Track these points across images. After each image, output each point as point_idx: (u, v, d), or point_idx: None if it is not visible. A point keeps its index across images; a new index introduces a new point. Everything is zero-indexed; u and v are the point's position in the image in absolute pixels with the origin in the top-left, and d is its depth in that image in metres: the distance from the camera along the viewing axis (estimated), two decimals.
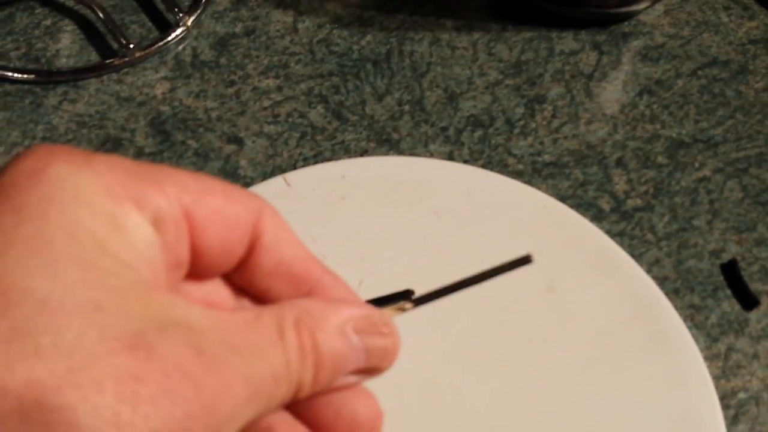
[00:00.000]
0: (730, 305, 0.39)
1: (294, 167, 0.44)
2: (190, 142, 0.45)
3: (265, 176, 0.43)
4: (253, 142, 0.45)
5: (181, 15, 0.50)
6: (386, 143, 0.45)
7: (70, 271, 0.15)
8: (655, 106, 0.47)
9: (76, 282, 0.14)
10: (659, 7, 0.52)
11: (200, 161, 0.44)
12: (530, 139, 0.46)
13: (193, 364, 0.15)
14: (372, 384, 0.36)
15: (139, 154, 0.44)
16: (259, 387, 0.17)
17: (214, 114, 0.46)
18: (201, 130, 0.45)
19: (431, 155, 0.45)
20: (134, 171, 0.17)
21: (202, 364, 0.15)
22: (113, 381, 0.14)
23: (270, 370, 0.17)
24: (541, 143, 0.45)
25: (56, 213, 0.15)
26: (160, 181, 0.18)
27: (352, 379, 0.21)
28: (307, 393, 0.19)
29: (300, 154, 0.44)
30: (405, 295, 0.39)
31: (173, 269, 0.18)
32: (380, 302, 0.39)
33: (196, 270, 0.19)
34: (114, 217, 0.16)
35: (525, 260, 0.33)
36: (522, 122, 0.46)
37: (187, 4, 0.51)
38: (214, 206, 0.19)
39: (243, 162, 0.44)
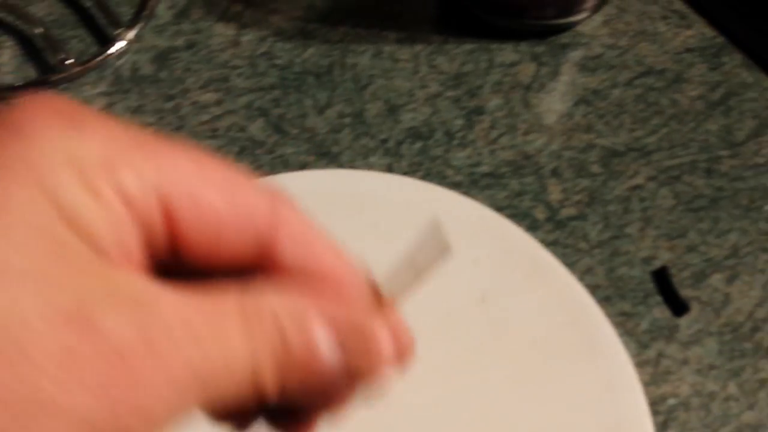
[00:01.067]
0: (661, 312, 0.40)
1: None
2: None
3: None
4: None
5: (121, 29, 0.50)
6: (326, 156, 0.45)
7: (21, 235, 0.13)
8: (591, 115, 0.48)
9: (26, 247, 0.13)
10: (598, 18, 0.53)
11: None
12: (469, 150, 0.46)
13: (133, 348, 0.14)
14: None
15: None
16: (206, 376, 0.15)
17: (152, 129, 0.46)
18: None
19: (371, 168, 0.45)
20: (123, 142, 0.16)
21: (144, 348, 0.14)
22: (44, 355, 0.13)
23: (224, 359, 0.15)
24: (479, 154, 0.46)
25: (24, 172, 0.14)
26: (148, 158, 0.16)
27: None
28: (272, 394, 0.17)
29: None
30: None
31: (152, 254, 0.16)
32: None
33: (190, 262, 0.17)
34: (87, 188, 0.15)
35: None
36: (461, 134, 0.47)
37: (128, 18, 0.51)
38: (204, 198, 0.17)
39: None
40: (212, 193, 0.17)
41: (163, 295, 0.15)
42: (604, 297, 0.40)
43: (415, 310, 0.40)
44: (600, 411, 0.36)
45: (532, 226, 0.43)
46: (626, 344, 0.38)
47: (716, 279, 0.41)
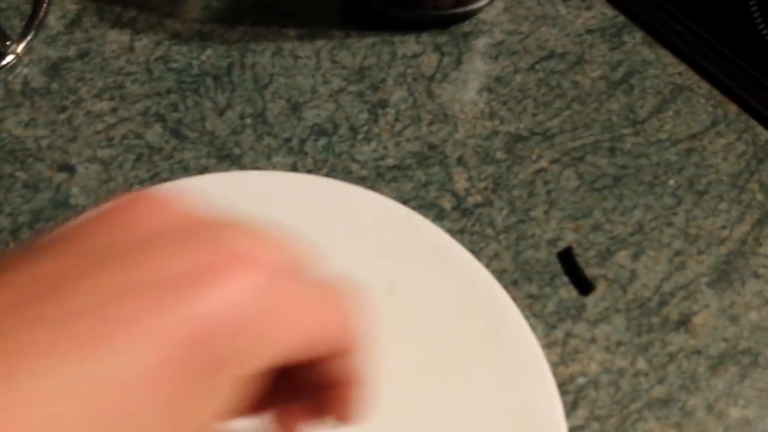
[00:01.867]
0: (568, 292, 0.40)
1: (129, 191, 0.42)
2: (19, 173, 0.43)
3: (98, 202, 0.42)
4: (86, 168, 0.43)
5: (9, 43, 0.48)
6: (227, 159, 0.44)
7: None
8: (494, 102, 0.48)
9: None
10: (499, 5, 0.53)
11: (29, 193, 0.42)
12: (374, 144, 0.46)
13: None
14: None
15: None
16: None
17: (44, 143, 0.44)
18: (30, 160, 0.43)
19: (274, 168, 0.45)
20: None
21: None
22: None
23: None
24: (385, 147, 0.45)
25: None
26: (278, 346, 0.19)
27: None
28: None
29: (136, 176, 0.43)
30: None
31: None
32: None
33: None
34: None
35: None
36: (365, 128, 0.46)
37: (17, 31, 0.49)
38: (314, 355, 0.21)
39: (75, 190, 0.42)
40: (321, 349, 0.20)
41: None
42: (512, 281, 0.40)
43: None
44: (509, 396, 0.36)
45: (438, 216, 0.42)
46: (534, 326, 0.38)
47: (622, 256, 0.41)
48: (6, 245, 0.41)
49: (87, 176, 0.43)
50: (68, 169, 0.43)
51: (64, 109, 0.46)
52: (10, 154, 0.44)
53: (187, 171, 0.44)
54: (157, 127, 0.45)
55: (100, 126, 0.45)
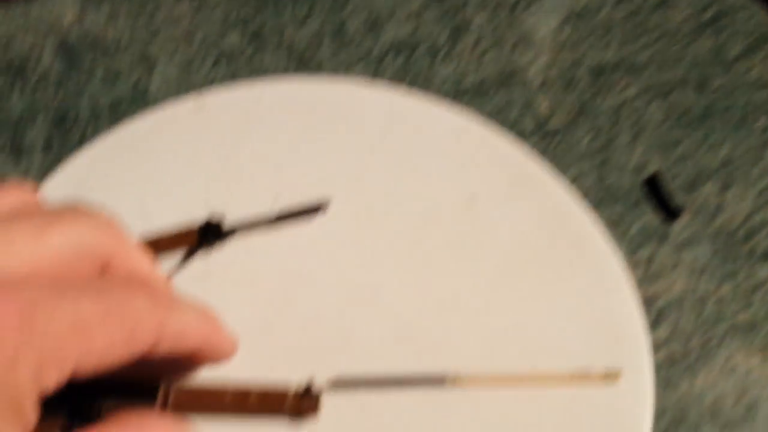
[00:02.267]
0: (653, 217, 0.38)
1: (208, 88, 0.42)
2: (99, 65, 0.43)
3: (177, 97, 0.41)
4: (165, 65, 0.43)
5: None
6: (306, 68, 0.44)
7: None
8: (579, 32, 0.46)
9: None
10: None
11: (109, 84, 0.42)
12: (453, 64, 0.45)
13: None
14: (288, 289, 0.35)
15: (45, 77, 0.42)
16: None
17: (125, 37, 0.44)
18: (111, 52, 0.43)
19: (353, 78, 0.44)
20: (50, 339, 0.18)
21: None
22: None
23: None
24: (465, 69, 0.44)
25: None
26: (71, 348, 0.19)
27: None
28: None
29: (215, 78, 0.43)
30: (317, 209, 0.38)
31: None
32: (292, 215, 0.37)
33: None
34: (17, 418, 0.18)
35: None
36: (445, 48, 0.45)
37: None
38: (109, 359, 0.20)
39: (153, 86, 0.42)
40: (116, 352, 0.20)
41: None
42: (594, 204, 0.39)
43: (401, 211, 0.39)
44: (590, 311, 0.35)
45: (520, 137, 0.41)
46: (618, 247, 0.37)
47: (709, 187, 0.40)
48: (85, 129, 0.41)
49: (166, 73, 0.43)
50: (148, 64, 0.43)
51: (145, 6, 0.45)
52: (91, 46, 0.43)
53: (265, 73, 0.43)
54: (237, 32, 0.45)
55: (180, 26, 0.45)
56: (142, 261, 0.25)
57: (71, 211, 0.22)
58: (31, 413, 0.18)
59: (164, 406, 0.30)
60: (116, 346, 0.20)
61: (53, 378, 0.18)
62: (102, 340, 0.19)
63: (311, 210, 0.39)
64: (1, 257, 0.19)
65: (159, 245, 0.36)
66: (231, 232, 0.37)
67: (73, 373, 0.19)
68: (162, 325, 0.21)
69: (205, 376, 0.31)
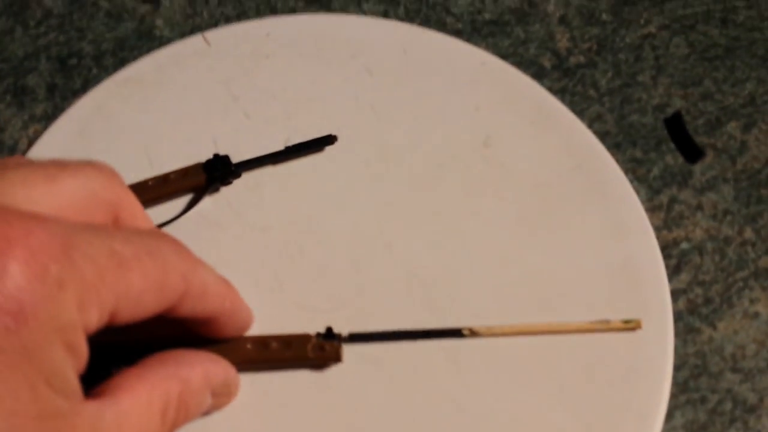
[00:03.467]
0: (674, 158, 0.37)
1: (215, 26, 0.41)
2: (102, 2, 0.41)
3: (183, 36, 0.40)
4: (170, 2, 0.41)
5: None
6: (316, 3, 0.42)
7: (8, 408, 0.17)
8: None
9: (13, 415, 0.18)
10: None
11: (112, 22, 0.40)
12: None
13: None
14: (300, 240, 0.34)
15: (46, 16, 0.41)
16: None
17: None
18: None
19: (364, 14, 0.42)
20: (90, 277, 0.19)
21: None
22: None
23: None
24: (482, 2, 0.43)
25: (26, 366, 0.18)
26: (108, 287, 0.19)
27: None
28: None
29: (222, 13, 0.41)
30: (327, 140, 0.37)
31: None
32: (302, 147, 0.36)
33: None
34: (70, 352, 0.19)
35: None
36: None
37: None
38: (143, 306, 0.20)
39: (159, 22, 0.41)
40: (150, 298, 0.20)
41: (84, 409, 0.18)
42: (614, 144, 0.37)
43: (416, 154, 0.38)
44: (609, 253, 0.34)
45: (538, 74, 0.40)
46: (637, 190, 0.36)
47: (732, 127, 0.38)
48: (89, 71, 0.39)
49: (172, 9, 0.41)
50: (152, 1, 0.41)
51: None
52: None
53: (274, 12, 0.42)
54: None
55: None
56: (147, 218, 0.24)
57: (78, 161, 0.21)
58: (82, 347, 0.18)
59: None
60: (150, 291, 0.20)
61: (95, 316, 0.18)
62: (137, 281, 0.19)
63: (320, 142, 0.38)
64: (25, 197, 0.19)
65: (167, 184, 0.35)
66: (239, 168, 0.36)
67: (111, 317, 0.19)
68: (187, 278, 0.21)
69: None
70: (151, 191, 0.35)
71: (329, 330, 0.31)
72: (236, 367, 0.29)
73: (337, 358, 0.30)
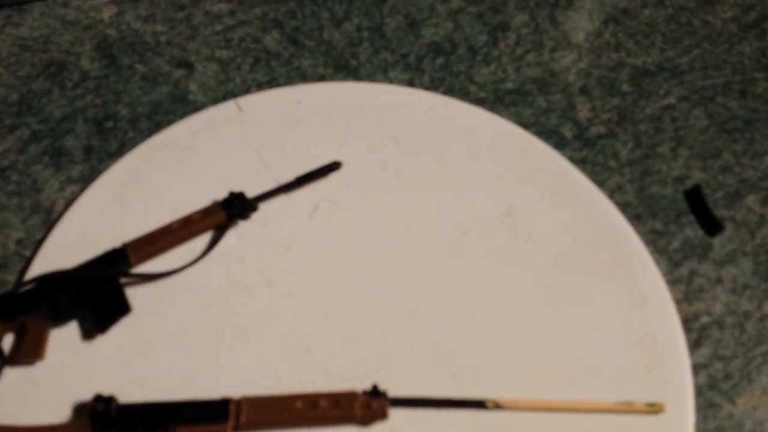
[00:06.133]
0: (694, 231, 0.38)
1: (247, 92, 0.42)
2: (138, 66, 0.43)
3: (217, 101, 0.41)
4: (204, 66, 0.43)
5: None
6: (344, 69, 0.44)
7: None
8: (621, 34, 0.46)
9: None
10: None
11: (148, 85, 0.42)
12: (493, 66, 0.44)
13: None
14: (327, 306, 0.35)
15: (83, 78, 0.42)
16: None
17: (163, 38, 0.44)
18: (149, 54, 0.43)
19: (391, 82, 0.43)
20: None
21: None
22: None
23: None
24: (504, 71, 0.44)
25: None
26: None
27: None
28: None
29: (253, 79, 0.43)
30: (332, 167, 0.38)
31: None
32: (310, 176, 0.38)
33: None
34: None
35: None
36: (485, 50, 0.45)
37: None
38: None
39: (193, 87, 0.42)
40: None
41: None
42: (635, 215, 0.38)
43: (440, 223, 0.38)
44: (631, 327, 0.35)
45: (559, 144, 0.41)
46: (658, 262, 0.37)
47: (751, 200, 0.39)
48: (125, 133, 0.41)
49: (205, 75, 0.42)
50: (187, 66, 0.43)
51: (182, 7, 0.45)
52: (130, 47, 0.43)
53: (304, 78, 0.43)
54: (275, 33, 0.45)
55: (218, 27, 0.45)
56: None
57: None
58: None
59: (237, 420, 0.30)
60: None
61: None
62: None
63: (327, 169, 0.39)
64: None
65: (189, 225, 0.36)
66: (255, 201, 0.37)
67: None
68: None
69: (261, 388, 0.32)
70: (175, 233, 0.36)
71: (375, 388, 0.31)
72: (286, 425, 0.30)
73: (383, 415, 0.31)
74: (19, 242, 0.37)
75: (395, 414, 0.32)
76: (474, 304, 0.36)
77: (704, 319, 0.35)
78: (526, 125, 0.42)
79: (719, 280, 0.37)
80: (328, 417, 0.31)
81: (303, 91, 0.42)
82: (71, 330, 0.33)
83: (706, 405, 0.33)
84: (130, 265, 0.35)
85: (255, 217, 0.38)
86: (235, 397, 0.31)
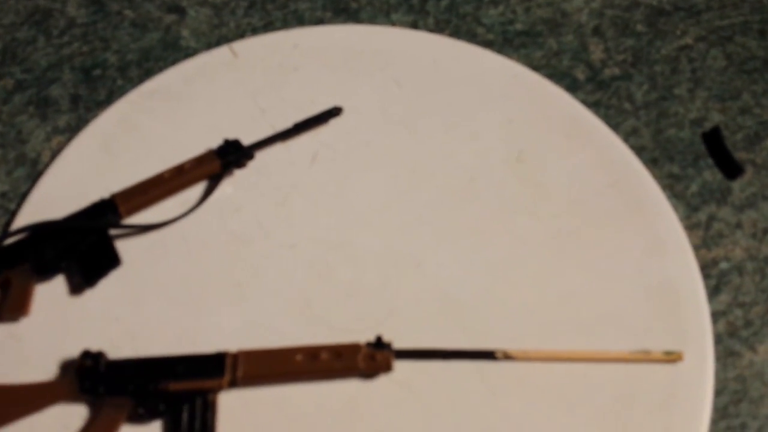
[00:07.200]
0: (712, 174, 0.36)
1: (242, 37, 0.40)
2: (127, 11, 0.41)
3: (210, 47, 0.40)
4: (196, 11, 0.41)
5: None
6: (344, 13, 0.41)
7: None
8: None
9: None
10: None
11: (137, 32, 0.40)
12: (501, 7, 0.42)
13: None
14: (329, 258, 0.34)
15: (70, 25, 0.40)
16: None
17: None
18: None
19: (393, 25, 0.41)
20: None
21: None
22: None
23: None
24: (513, 12, 0.42)
25: None
26: None
27: None
28: None
29: (248, 23, 0.41)
30: (333, 113, 0.36)
31: None
32: (308, 122, 0.36)
33: None
34: None
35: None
36: None
37: None
38: None
39: (185, 32, 0.40)
40: None
41: None
42: (651, 159, 0.36)
43: (448, 170, 0.37)
44: (647, 274, 0.33)
45: (572, 86, 0.39)
46: (675, 207, 0.35)
47: None
48: (114, 81, 0.39)
49: (198, 19, 0.40)
50: (178, 10, 0.41)
51: None
52: None
53: (301, 22, 0.41)
54: None
55: None
56: None
57: None
58: None
59: (233, 375, 0.29)
60: None
61: None
62: None
63: (326, 115, 0.37)
64: None
65: (182, 174, 0.34)
66: (252, 149, 0.35)
67: None
68: None
69: (260, 344, 0.30)
70: (167, 183, 0.34)
71: (379, 339, 0.30)
72: (285, 379, 0.29)
73: (387, 367, 0.30)
74: (3, 195, 0.35)
75: (400, 366, 0.31)
76: (483, 254, 0.34)
77: (723, 265, 0.34)
78: (536, 68, 0.40)
79: (739, 225, 0.35)
80: (330, 370, 0.30)
81: (301, 34, 0.40)
82: (58, 284, 0.32)
83: (725, 353, 0.32)
84: (120, 216, 0.33)
85: (252, 166, 0.36)
86: (231, 350, 0.30)
